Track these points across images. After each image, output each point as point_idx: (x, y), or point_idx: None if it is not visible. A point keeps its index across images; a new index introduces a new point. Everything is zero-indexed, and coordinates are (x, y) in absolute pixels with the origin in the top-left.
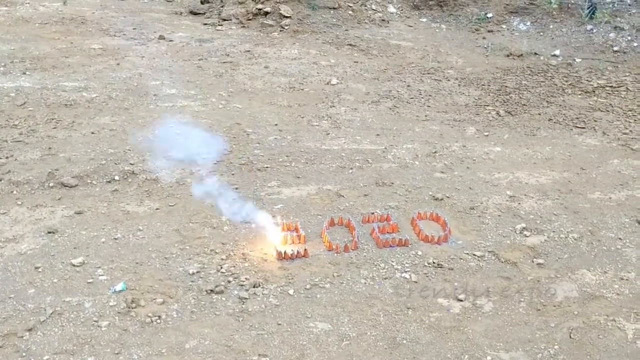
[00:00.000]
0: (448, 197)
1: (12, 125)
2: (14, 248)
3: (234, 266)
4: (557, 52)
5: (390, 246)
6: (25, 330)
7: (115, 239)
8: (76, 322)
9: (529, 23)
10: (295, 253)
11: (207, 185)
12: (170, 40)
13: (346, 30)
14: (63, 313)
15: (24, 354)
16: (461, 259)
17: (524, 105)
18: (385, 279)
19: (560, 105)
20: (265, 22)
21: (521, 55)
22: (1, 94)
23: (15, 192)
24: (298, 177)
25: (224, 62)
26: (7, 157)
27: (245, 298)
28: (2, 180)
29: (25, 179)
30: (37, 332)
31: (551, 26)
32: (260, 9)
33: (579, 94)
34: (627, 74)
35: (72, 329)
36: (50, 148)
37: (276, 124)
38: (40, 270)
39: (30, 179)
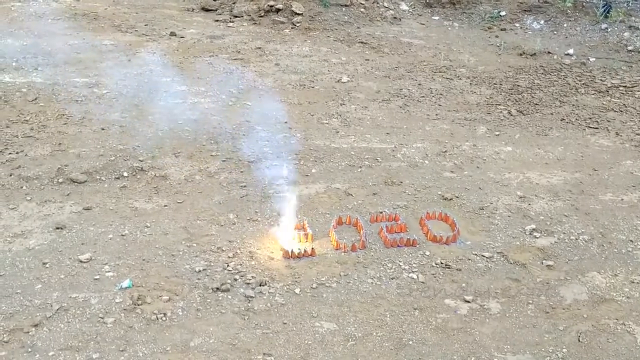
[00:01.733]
0: (457, 197)
1: (24, 121)
2: (22, 243)
3: (241, 264)
4: (571, 51)
5: (398, 246)
6: (31, 326)
7: (123, 235)
8: (82, 319)
9: (542, 21)
10: (302, 252)
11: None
12: (182, 37)
13: (358, 27)
14: (69, 309)
15: (29, 350)
16: (469, 259)
17: (536, 104)
18: (392, 279)
19: (573, 105)
20: (276, 19)
21: (534, 54)
22: (13, 89)
23: (24, 187)
24: (307, 176)
25: (235, 59)
26: (17, 153)
27: (251, 296)
28: (12, 175)
29: (35, 175)
30: (43, 328)
31: (565, 25)
32: (272, 6)
33: (593, 94)
34: None
35: (77, 325)
36: (60, 144)
37: (286, 122)
38: (47, 265)
39: (40, 175)
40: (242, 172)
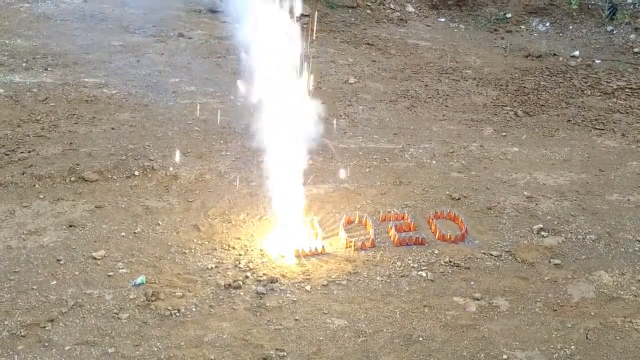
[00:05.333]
0: (465, 196)
1: (35, 120)
2: (36, 240)
3: (252, 261)
4: (577, 53)
5: (407, 244)
6: (47, 321)
7: (135, 233)
8: (97, 314)
9: (548, 24)
10: (313, 250)
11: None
12: (190, 38)
13: (364, 29)
14: (84, 305)
15: (46, 344)
16: (478, 258)
17: (542, 106)
18: (401, 276)
19: (579, 107)
20: None
21: (540, 55)
22: (24, 89)
23: (37, 185)
24: (316, 175)
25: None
26: (29, 152)
27: (263, 293)
28: (24, 174)
29: (47, 173)
30: (59, 323)
31: (571, 27)
32: None
33: (598, 95)
34: None
35: (92, 320)
36: (71, 143)
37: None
38: (62, 262)
39: (52, 173)
40: (251, 171)
